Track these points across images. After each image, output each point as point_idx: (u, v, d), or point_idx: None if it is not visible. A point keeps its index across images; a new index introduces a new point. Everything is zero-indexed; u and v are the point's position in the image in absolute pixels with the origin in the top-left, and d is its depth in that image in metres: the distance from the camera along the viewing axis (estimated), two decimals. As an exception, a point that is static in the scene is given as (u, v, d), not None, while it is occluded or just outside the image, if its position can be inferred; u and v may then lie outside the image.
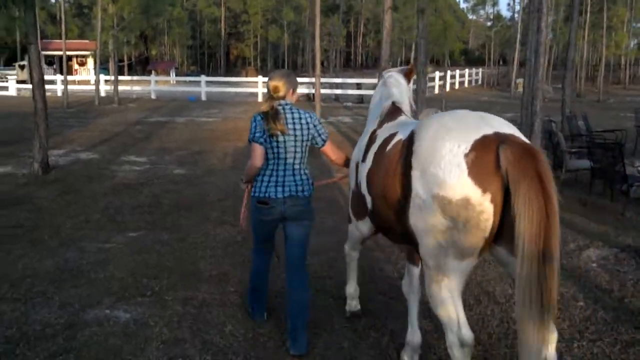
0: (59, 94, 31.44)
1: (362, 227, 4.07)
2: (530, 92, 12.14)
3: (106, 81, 31.31)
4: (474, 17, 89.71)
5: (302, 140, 4.05)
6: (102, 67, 40.46)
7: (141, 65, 56.48)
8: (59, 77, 32.58)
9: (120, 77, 37.07)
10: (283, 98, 4.04)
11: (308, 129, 4.07)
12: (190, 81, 38.76)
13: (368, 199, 3.61)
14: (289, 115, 4.01)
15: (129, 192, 9.21)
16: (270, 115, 3.94)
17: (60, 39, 50.81)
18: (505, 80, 45.84)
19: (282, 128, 3.93)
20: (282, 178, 4.04)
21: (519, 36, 31.87)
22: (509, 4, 55.70)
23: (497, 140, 2.80)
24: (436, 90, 33.67)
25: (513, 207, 2.70)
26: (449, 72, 36.40)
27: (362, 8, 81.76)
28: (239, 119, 20.12)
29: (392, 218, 3.32)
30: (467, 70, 41.22)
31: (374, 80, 26.74)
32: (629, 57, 40.07)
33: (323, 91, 27.30)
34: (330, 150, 4.34)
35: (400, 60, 75.63)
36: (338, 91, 28.03)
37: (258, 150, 4.00)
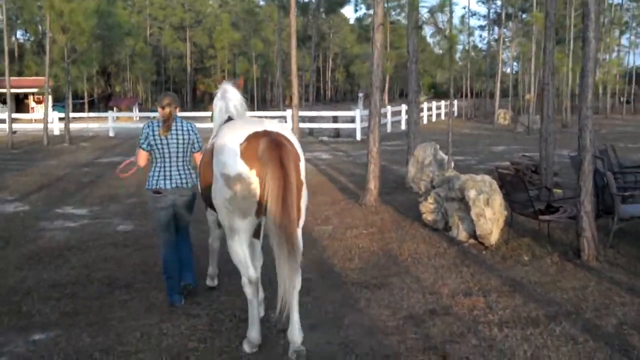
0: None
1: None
2: (548, 122, 10.26)
3: (61, 119, 28.80)
4: (440, 51, 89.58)
5: (184, 143, 5.32)
6: (60, 104, 37.95)
7: (104, 102, 53.95)
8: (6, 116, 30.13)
9: (76, 115, 34.72)
10: (174, 110, 5.28)
11: (189, 135, 5.35)
12: (154, 117, 36.41)
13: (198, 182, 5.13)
14: (176, 123, 5.31)
15: (52, 261, 6.91)
16: (168, 120, 5.23)
17: (17, 76, 48.35)
18: (480, 112, 44.56)
19: (166, 132, 5.21)
20: (169, 172, 5.26)
21: (500, 66, 30.47)
22: (480, 35, 54.72)
23: (262, 135, 4.16)
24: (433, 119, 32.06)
25: (265, 182, 4.04)
26: (434, 104, 34.87)
27: (330, 42, 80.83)
28: (204, 157, 17.87)
29: (209, 195, 4.61)
30: (442, 102, 39.74)
31: (352, 113, 24.90)
32: (611, 87, 39.05)
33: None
34: (197, 157, 5.40)
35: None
36: (313, 125, 26.03)
37: (141, 154, 5.32)
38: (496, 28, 49.43)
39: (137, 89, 60.11)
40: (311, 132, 26.33)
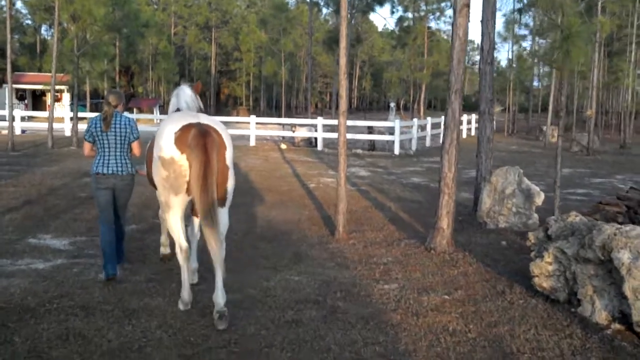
0: (17, 132, 26.96)
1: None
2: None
3: (72, 118, 26.63)
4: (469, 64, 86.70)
5: (122, 136, 6.08)
6: (79, 103, 36.05)
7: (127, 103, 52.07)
8: (19, 113, 28.12)
9: (92, 114, 32.67)
10: (116, 107, 6.07)
11: (127, 128, 6.10)
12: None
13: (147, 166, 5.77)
14: (115, 119, 6.05)
15: (-14, 338, 4.56)
16: (107, 117, 5.98)
17: (37, 71, 46.54)
18: (517, 127, 41.65)
19: (107, 129, 5.98)
20: (107, 160, 6.05)
21: (554, 78, 27.65)
22: (520, 45, 51.60)
23: (194, 126, 4.92)
24: (464, 135, 29.46)
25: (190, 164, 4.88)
26: (465, 117, 32.14)
27: (357, 49, 78.43)
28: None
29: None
30: (473, 116, 36.93)
31: (389, 124, 22.43)
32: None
33: (326, 135, 22.88)
34: (135, 146, 6.23)
35: (401, 102, 71.65)
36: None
37: (86, 146, 6.17)
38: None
39: (160, 90, 58.14)
40: (343, 142, 23.86)
